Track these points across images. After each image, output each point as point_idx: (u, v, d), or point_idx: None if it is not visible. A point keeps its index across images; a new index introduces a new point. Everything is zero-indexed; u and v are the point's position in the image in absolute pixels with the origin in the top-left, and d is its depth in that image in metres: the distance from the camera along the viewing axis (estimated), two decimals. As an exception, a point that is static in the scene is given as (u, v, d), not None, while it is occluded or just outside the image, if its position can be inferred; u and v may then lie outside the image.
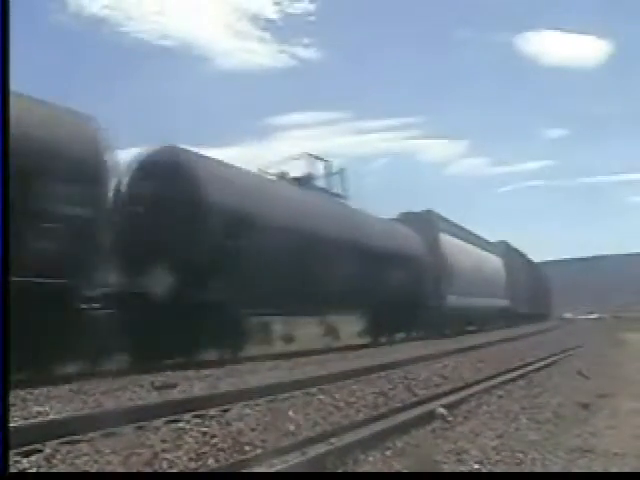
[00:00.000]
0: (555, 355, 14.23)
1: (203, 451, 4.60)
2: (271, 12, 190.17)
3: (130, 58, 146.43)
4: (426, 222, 24.24)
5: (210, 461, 4.40)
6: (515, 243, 41.93)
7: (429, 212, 25.65)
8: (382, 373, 9.25)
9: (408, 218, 23.73)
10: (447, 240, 26.19)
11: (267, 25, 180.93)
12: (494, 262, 35.47)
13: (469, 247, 30.41)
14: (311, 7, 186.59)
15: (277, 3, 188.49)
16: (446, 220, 27.77)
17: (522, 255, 45.14)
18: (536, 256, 60.01)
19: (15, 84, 4.04)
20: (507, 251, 39.44)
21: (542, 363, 12.30)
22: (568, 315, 61.40)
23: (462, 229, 30.58)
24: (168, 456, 4.41)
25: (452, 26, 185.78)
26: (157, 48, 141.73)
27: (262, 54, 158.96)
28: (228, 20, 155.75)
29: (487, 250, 35.19)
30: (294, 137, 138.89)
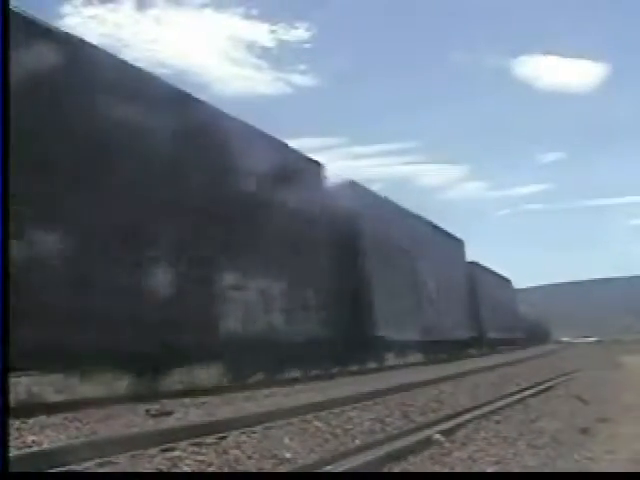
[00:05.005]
0: (552, 380, 14.16)
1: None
2: (267, 40, 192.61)
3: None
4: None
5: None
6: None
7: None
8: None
9: None
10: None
11: (263, 53, 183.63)
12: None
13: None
14: (307, 35, 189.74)
15: (273, 31, 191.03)
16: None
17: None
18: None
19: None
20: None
21: (540, 387, 12.23)
22: (566, 339, 61.31)
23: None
24: None
25: (448, 51, 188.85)
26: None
27: (258, 81, 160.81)
28: (224, 48, 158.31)
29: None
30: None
